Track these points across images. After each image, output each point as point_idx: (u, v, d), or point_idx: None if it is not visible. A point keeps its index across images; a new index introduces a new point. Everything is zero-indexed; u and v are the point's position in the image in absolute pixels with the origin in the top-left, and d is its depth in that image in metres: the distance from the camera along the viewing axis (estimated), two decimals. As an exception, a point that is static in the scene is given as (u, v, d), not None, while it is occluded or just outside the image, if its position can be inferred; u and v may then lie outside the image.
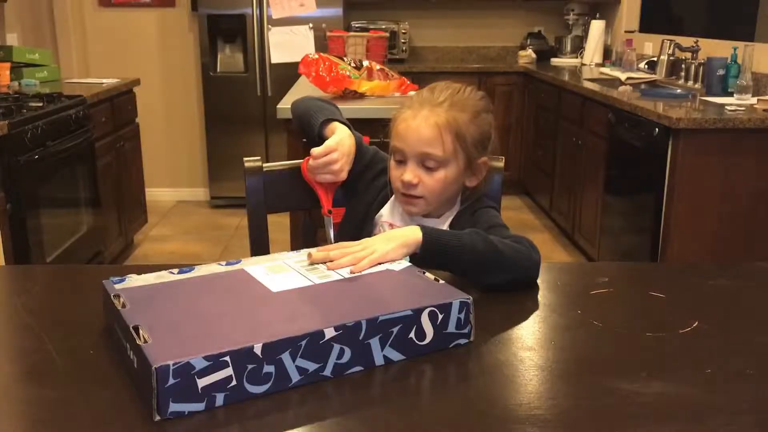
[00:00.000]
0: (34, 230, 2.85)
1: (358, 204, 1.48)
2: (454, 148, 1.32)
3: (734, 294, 1.24)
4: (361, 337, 0.90)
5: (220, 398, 0.82)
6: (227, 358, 0.81)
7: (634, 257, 3.19)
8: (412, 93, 1.42)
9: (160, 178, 5.20)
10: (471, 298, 0.98)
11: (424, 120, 1.31)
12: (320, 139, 1.39)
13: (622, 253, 3.36)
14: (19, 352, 1.04)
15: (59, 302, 1.21)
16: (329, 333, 0.87)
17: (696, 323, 1.09)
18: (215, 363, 0.81)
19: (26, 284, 1.32)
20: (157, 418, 0.80)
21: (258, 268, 1.10)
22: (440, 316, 0.96)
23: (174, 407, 0.80)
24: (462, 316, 0.98)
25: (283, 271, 1.09)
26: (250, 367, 0.83)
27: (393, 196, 1.44)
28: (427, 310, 0.95)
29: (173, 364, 0.79)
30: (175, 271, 1.10)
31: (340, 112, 1.47)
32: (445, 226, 1.40)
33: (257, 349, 0.83)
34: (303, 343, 0.86)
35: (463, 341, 0.99)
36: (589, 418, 0.85)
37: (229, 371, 0.82)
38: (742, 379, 0.93)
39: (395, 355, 0.94)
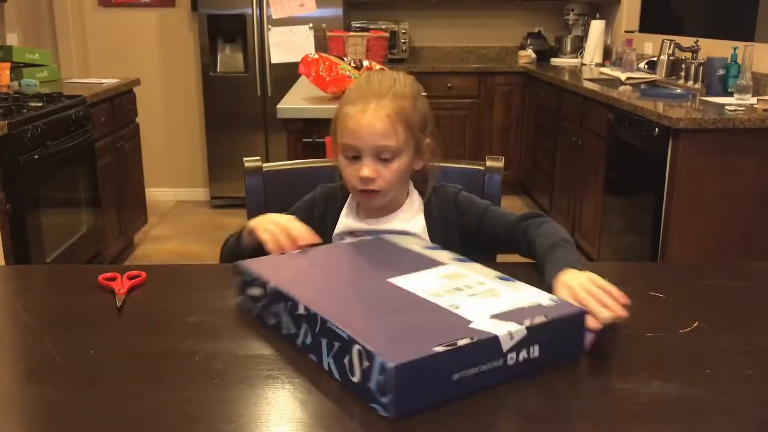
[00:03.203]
0: (34, 230, 2.85)
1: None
2: (405, 136, 1.33)
3: (734, 294, 1.24)
4: (316, 331, 0.94)
5: (257, 310, 1.09)
6: (264, 282, 1.06)
7: (634, 257, 3.19)
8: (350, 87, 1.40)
9: (160, 178, 5.20)
10: (394, 365, 0.80)
11: (374, 113, 1.31)
12: (249, 250, 1.30)
13: (622, 253, 3.36)
14: (19, 352, 1.04)
15: (59, 302, 1.21)
16: (301, 309, 0.97)
17: (696, 323, 1.09)
18: (258, 282, 1.08)
19: (26, 284, 1.32)
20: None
21: (447, 269, 1.10)
22: (365, 363, 0.84)
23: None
24: (382, 379, 0.81)
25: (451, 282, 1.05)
26: (268, 300, 1.05)
27: (347, 201, 1.44)
28: (356, 346, 0.86)
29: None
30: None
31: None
32: (417, 218, 1.41)
33: (270, 288, 1.04)
34: (289, 303, 1.00)
35: (379, 409, 0.82)
36: (589, 418, 0.85)
37: (261, 292, 1.07)
38: (742, 379, 0.93)
39: (334, 371, 0.91)
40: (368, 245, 1.24)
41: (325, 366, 0.93)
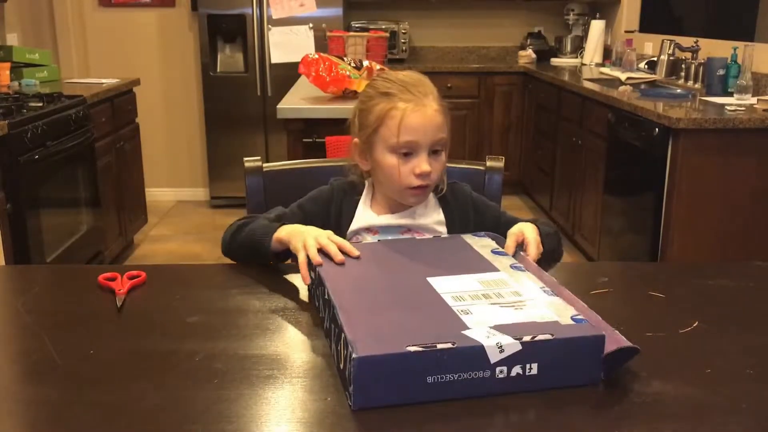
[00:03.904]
0: (34, 230, 2.85)
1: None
2: (449, 126, 1.37)
3: (734, 294, 1.24)
4: (331, 316, 0.97)
5: (312, 291, 1.17)
6: (316, 267, 1.12)
7: (634, 257, 3.19)
8: (380, 86, 1.40)
9: (160, 178, 5.19)
10: (358, 357, 0.82)
11: (430, 108, 1.33)
12: (270, 255, 1.30)
13: (622, 253, 3.36)
14: (19, 352, 1.04)
15: (59, 302, 1.21)
16: (326, 294, 1.01)
17: (696, 323, 1.09)
18: (314, 267, 1.13)
19: (26, 284, 1.32)
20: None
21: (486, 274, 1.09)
22: (345, 352, 0.87)
23: None
24: (350, 368, 0.84)
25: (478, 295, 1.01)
26: (316, 283, 1.12)
27: (362, 197, 1.43)
28: (344, 335, 0.88)
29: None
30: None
31: (264, 220, 1.36)
32: (433, 214, 1.42)
33: (317, 272, 1.10)
34: (322, 288, 1.05)
35: (348, 397, 0.86)
36: (589, 418, 0.85)
37: (315, 275, 1.13)
38: (742, 379, 0.93)
39: (335, 357, 0.97)
40: (441, 243, 1.26)
41: (333, 352, 0.96)
